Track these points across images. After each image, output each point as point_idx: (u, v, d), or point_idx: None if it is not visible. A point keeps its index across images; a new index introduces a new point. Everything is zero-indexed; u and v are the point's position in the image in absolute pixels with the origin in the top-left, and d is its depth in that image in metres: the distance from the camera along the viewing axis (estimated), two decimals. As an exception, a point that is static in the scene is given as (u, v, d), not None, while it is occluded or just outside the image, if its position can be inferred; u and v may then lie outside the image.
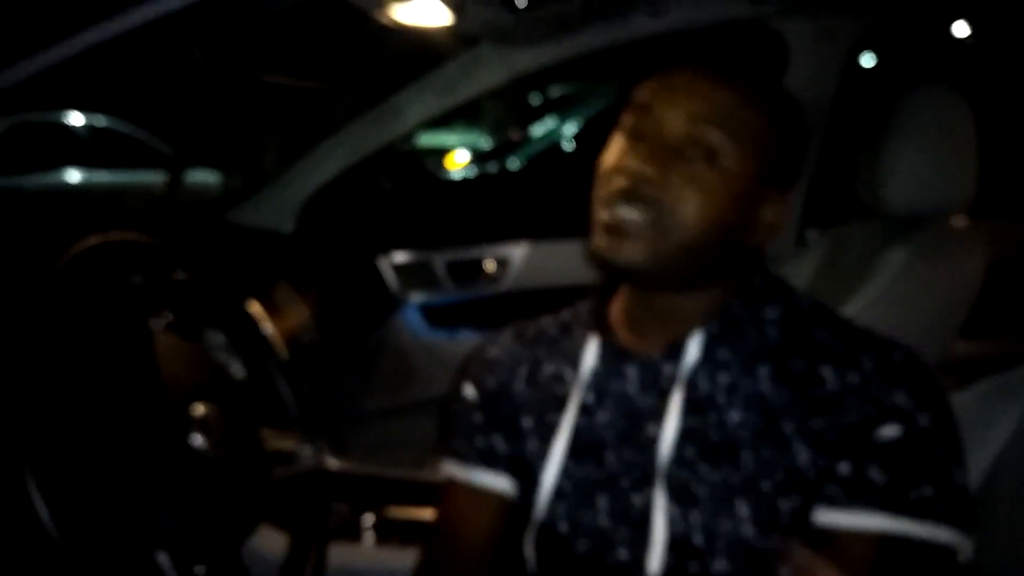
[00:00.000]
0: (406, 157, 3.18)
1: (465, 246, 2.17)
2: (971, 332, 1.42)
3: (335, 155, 1.99)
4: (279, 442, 1.13)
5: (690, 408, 0.77)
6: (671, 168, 0.74)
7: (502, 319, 0.99)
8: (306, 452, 1.16)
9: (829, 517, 0.72)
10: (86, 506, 0.85)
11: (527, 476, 0.86)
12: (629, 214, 0.74)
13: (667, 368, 0.79)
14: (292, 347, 1.58)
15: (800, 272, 1.55)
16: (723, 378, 0.77)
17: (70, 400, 0.89)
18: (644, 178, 0.74)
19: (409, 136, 2.11)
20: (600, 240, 0.77)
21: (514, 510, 0.90)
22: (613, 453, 0.80)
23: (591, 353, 0.84)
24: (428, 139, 10.38)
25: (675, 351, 0.79)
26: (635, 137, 0.77)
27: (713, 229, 0.75)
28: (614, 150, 0.79)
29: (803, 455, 0.72)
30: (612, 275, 0.81)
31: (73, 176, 6.70)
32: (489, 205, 2.30)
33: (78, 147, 6.90)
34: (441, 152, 9.62)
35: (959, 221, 1.43)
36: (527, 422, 0.87)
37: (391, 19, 1.26)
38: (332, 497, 1.36)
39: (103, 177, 6.83)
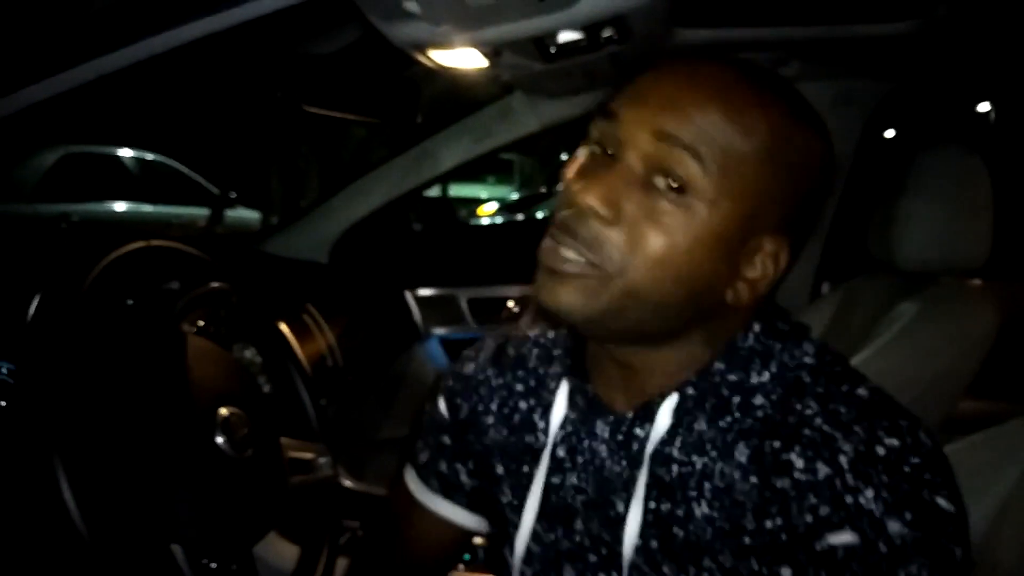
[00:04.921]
0: (437, 202, 3.28)
1: (488, 285, 2.23)
2: (979, 391, 1.42)
3: (370, 193, 2.05)
4: (298, 452, 1.15)
5: (658, 490, 0.67)
6: (627, 199, 0.61)
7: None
8: (323, 463, 1.19)
9: None
10: (110, 495, 0.87)
11: (498, 521, 0.82)
12: (565, 252, 0.63)
13: (639, 431, 0.69)
14: (317, 368, 1.63)
15: (813, 325, 1.57)
16: (698, 461, 0.66)
17: (102, 394, 0.91)
18: (588, 210, 0.61)
19: (441, 179, 2.17)
20: (537, 279, 0.66)
21: (487, 542, 0.90)
22: (582, 523, 0.72)
23: (562, 400, 0.75)
24: (461, 190, 10.58)
25: (648, 413, 0.68)
26: (593, 154, 0.65)
27: (672, 281, 0.61)
28: (569, 168, 0.67)
29: (754, 564, 0.62)
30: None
31: (119, 207, 6.90)
32: (514, 249, 2.36)
33: (127, 180, 7.13)
34: (473, 203, 9.80)
35: (971, 281, 1.45)
36: (499, 468, 0.81)
37: (433, 62, 1.34)
38: (344, 513, 1.38)
39: (148, 209, 7.04)
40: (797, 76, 1.69)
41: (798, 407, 0.64)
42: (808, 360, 0.67)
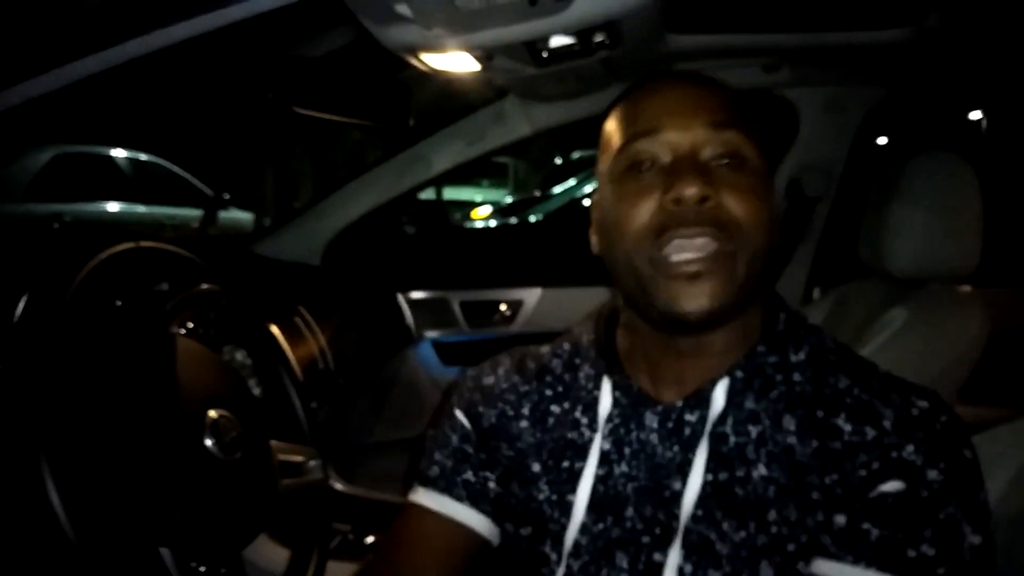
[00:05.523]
0: (431, 205, 3.28)
1: (481, 288, 2.22)
2: (971, 398, 1.43)
3: (363, 196, 2.06)
4: (288, 454, 1.15)
5: (716, 462, 0.72)
6: (713, 182, 0.70)
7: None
8: (313, 466, 1.18)
9: (819, 568, 0.67)
10: (97, 497, 0.87)
11: (530, 521, 0.81)
12: (698, 243, 0.69)
13: (690, 417, 0.74)
14: (308, 371, 1.62)
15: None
16: (753, 431, 0.72)
17: (90, 395, 0.91)
18: (697, 201, 0.69)
19: (435, 182, 2.17)
20: (670, 292, 0.70)
21: (491, 552, 0.86)
22: (633, 508, 0.75)
23: (606, 397, 0.79)
24: (455, 193, 10.58)
25: (699, 399, 0.74)
26: (650, 168, 0.73)
27: (771, 231, 0.72)
28: (630, 193, 0.73)
29: (820, 516, 0.68)
30: (676, 329, 0.74)
31: (112, 207, 6.87)
32: (507, 252, 2.36)
33: (120, 181, 7.10)
34: (467, 206, 9.81)
35: (961, 287, 1.45)
36: (536, 466, 0.81)
37: (425, 65, 1.34)
38: (335, 516, 1.37)
39: (141, 210, 7.01)
40: (789, 82, 1.70)
41: (831, 380, 0.73)
42: (829, 343, 0.77)
